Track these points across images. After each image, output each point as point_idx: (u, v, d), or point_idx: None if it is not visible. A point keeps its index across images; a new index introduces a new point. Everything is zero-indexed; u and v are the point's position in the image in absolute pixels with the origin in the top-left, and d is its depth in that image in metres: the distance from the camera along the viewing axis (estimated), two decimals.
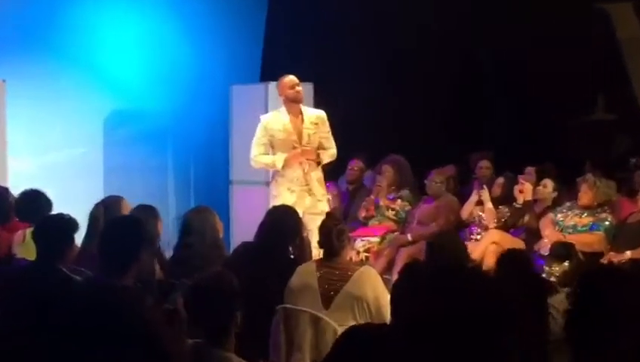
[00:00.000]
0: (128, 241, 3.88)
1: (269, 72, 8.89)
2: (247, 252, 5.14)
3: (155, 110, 8.74)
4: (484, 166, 8.00)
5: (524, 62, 8.56)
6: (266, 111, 7.52)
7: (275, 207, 5.60)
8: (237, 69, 9.04)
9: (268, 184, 7.73)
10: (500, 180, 7.59)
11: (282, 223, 5.15)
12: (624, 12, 8.67)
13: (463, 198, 7.79)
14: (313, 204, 6.70)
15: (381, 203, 7.90)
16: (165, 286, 4.97)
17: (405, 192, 7.94)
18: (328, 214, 5.82)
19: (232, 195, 8.66)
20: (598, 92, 8.97)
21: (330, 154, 6.90)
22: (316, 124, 6.81)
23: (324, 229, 4.91)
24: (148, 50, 8.80)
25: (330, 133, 6.91)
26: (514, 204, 7.23)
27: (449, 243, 4.84)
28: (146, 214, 5.32)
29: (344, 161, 8.28)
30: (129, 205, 5.73)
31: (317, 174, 6.81)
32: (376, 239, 7.63)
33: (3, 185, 6.65)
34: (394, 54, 9.01)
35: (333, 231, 4.81)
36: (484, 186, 7.52)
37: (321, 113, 6.92)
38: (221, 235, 5.42)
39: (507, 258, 4.15)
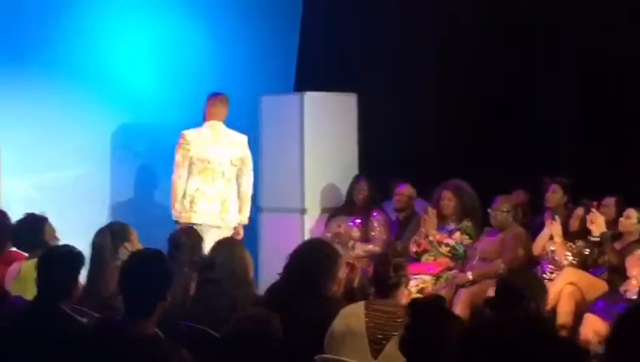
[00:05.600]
0: (154, 278, 3.84)
1: (304, 81, 9.11)
2: (280, 293, 5.01)
3: (171, 124, 8.51)
4: (553, 191, 7.73)
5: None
6: (302, 125, 7.73)
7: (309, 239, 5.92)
8: (268, 78, 9.02)
9: (303, 212, 8.26)
10: (579, 211, 7.40)
11: (311, 256, 4.99)
12: None
13: (534, 230, 7.64)
14: None
15: (431, 238, 7.74)
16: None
17: (466, 223, 7.81)
18: (390, 245, 5.65)
19: (262, 225, 8.63)
20: None
21: None
22: None
23: (380, 260, 4.86)
24: (165, 56, 8.81)
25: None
26: (589, 237, 7.11)
27: (524, 282, 4.50)
28: (188, 238, 5.72)
29: (390, 185, 8.27)
30: (135, 233, 5.71)
31: None
32: (430, 278, 7.53)
33: None
34: (449, 58, 8.87)
35: (391, 264, 4.73)
36: (556, 217, 7.38)
37: None
38: (251, 274, 5.33)
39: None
